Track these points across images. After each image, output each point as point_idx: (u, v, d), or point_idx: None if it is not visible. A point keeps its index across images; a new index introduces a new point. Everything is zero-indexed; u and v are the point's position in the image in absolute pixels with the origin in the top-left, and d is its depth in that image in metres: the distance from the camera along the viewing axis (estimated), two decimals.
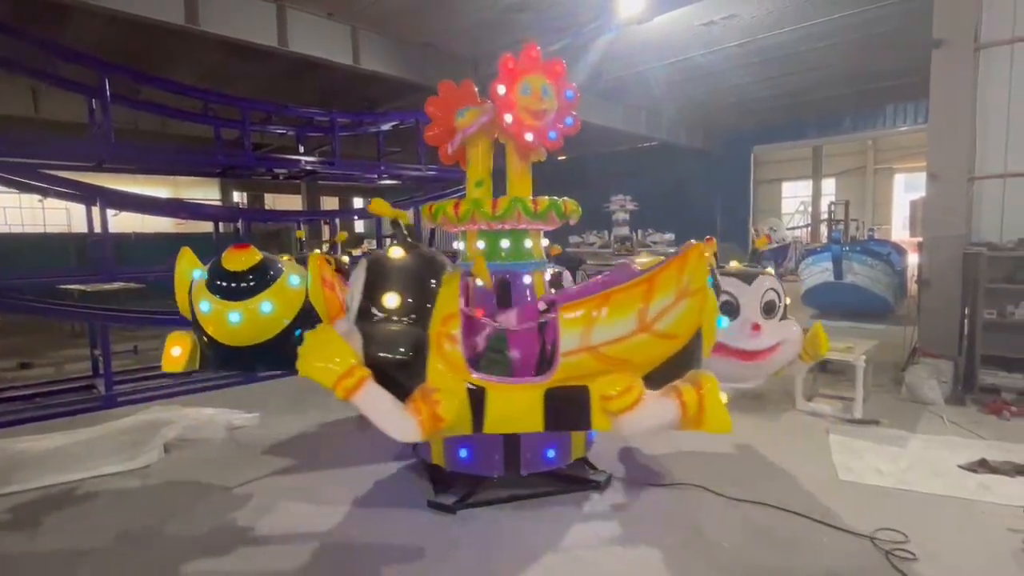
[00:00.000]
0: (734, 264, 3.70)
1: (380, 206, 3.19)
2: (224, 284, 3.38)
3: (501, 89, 3.35)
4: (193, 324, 3.52)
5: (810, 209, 23.39)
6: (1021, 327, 5.34)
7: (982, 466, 3.85)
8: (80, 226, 7.79)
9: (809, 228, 22.92)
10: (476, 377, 2.75)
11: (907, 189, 24.37)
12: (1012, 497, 3.45)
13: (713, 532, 3.19)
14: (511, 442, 3.49)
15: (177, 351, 3.48)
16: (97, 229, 6.21)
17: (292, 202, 21.51)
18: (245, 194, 22.50)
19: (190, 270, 3.56)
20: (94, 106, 6.62)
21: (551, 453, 3.55)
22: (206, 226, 9.11)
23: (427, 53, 9.93)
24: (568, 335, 2.66)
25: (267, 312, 3.41)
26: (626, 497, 3.63)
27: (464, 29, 9.40)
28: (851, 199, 20.15)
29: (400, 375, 2.64)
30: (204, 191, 21.00)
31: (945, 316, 5.91)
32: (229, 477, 4.04)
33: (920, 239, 6.36)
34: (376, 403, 2.52)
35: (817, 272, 10.32)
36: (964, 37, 5.77)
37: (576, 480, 3.74)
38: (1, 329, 10.18)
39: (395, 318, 2.73)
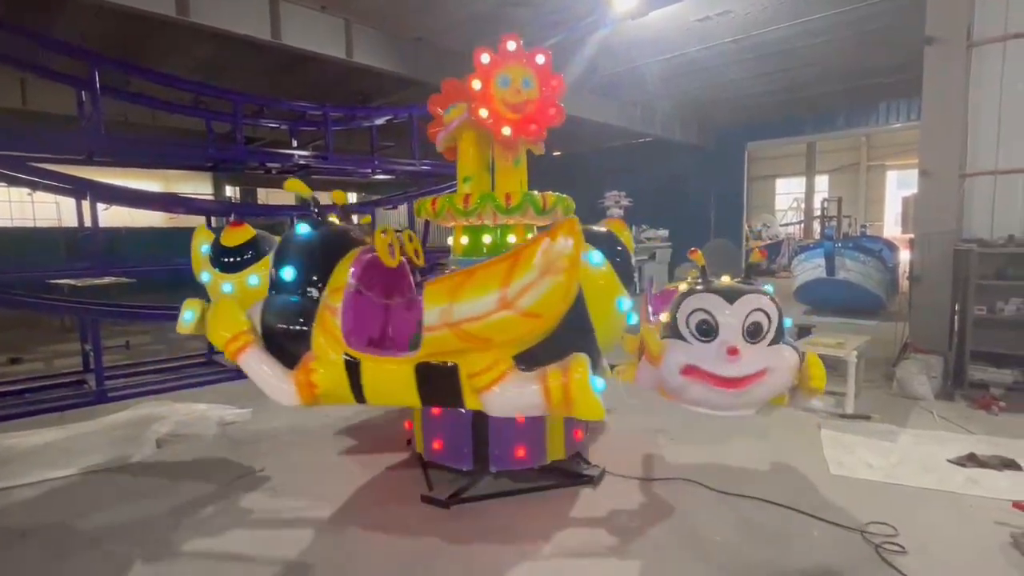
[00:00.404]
0: (726, 280, 3.35)
1: (295, 185, 3.41)
2: (221, 258, 3.65)
3: (476, 84, 3.34)
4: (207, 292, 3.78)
5: (803, 205, 23.49)
6: (1010, 323, 5.39)
7: (971, 460, 3.90)
8: (70, 220, 7.70)
9: (802, 224, 23.03)
10: (351, 348, 2.76)
11: (899, 186, 24.55)
12: (1000, 491, 3.49)
13: (705, 526, 3.21)
14: (480, 437, 3.51)
15: (189, 315, 3.61)
16: (87, 223, 6.15)
17: (285, 197, 21.38)
18: (238, 189, 22.36)
19: (202, 244, 3.87)
20: (84, 98, 6.54)
21: (521, 452, 3.54)
22: (198, 220, 9.03)
23: (421, 48, 9.85)
24: (430, 311, 2.58)
25: (254, 285, 3.56)
26: (619, 491, 3.64)
27: (458, 24, 9.33)
28: (844, 196, 20.22)
29: (291, 344, 2.83)
30: (196, 185, 20.85)
31: (936, 312, 5.96)
32: (221, 472, 4.03)
33: (912, 236, 6.40)
34: (256, 366, 2.79)
35: (810, 268, 10.38)
36: (957, 34, 5.80)
37: (570, 475, 3.75)
38: None
39: (292, 291, 2.99)
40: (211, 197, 20.36)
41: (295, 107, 8.87)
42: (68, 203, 7.26)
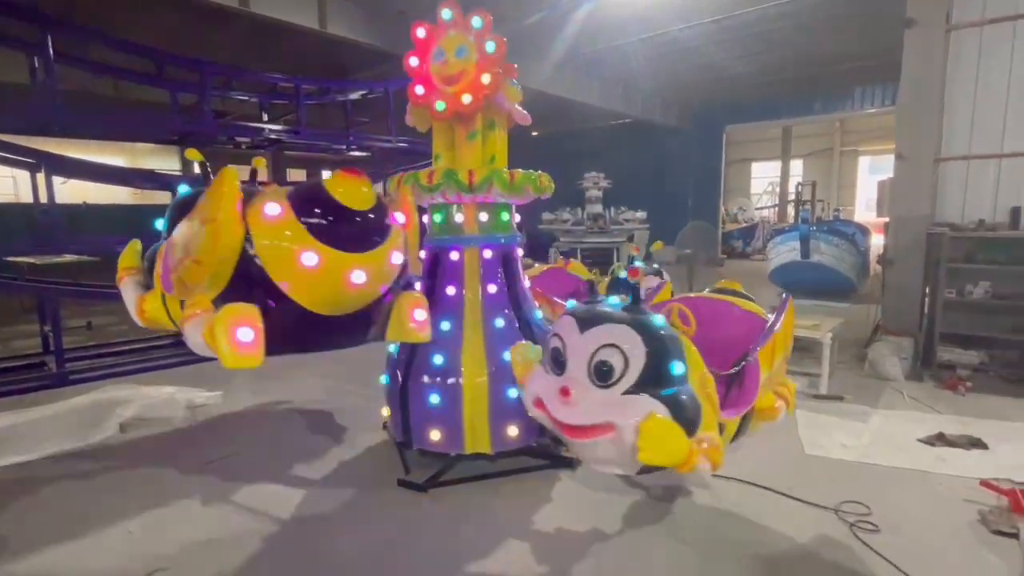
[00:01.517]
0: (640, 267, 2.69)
1: (192, 154, 3.69)
2: (344, 227, 2.81)
3: (413, 61, 3.23)
4: None
5: (778, 189, 23.76)
6: (978, 306, 5.51)
7: (940, 440, 3.99)
8: (29, 195, 7.30)
9: (776, 208, 23.32)
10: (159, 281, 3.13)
11: (871, 171, 25.00)
12: (967, 469, 3.57)
13: (681, 507, 3.22)
14: (404, 415, 3.56)
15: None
16: (44, 199, 5.84)
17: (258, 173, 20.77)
18: (208, 164, 21.62)
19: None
20: (36, 65, 6.16)
21: (434, 435, 3.48)
22: (164, 196, 8.68)
23: (400, 21, 9.54)
24: (169, 256, 2.92)
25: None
26: (597, 473, 3.62)
27: None
28: (818, 180, 20.52)
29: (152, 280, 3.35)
30: (163, 160, 20.12)
31: (907, 295, 6.07)
32: (190, 457, 3.90)
33: (887, 219, 6.48)
34: (123, 292, 3.56)
35: (784, 251, 10.50)
36: (936, 18, 5.81)
37: (549, 457, 3.72)
38: None
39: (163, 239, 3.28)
40: (179, 173, 19.66)
41: (265, 78, 8.54)
42: (26, 177, 6.88)
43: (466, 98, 3.20)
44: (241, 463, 3.85)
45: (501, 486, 3.47)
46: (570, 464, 3.67)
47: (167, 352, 6.56)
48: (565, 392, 2.33)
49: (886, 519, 3.03)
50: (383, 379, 3.78)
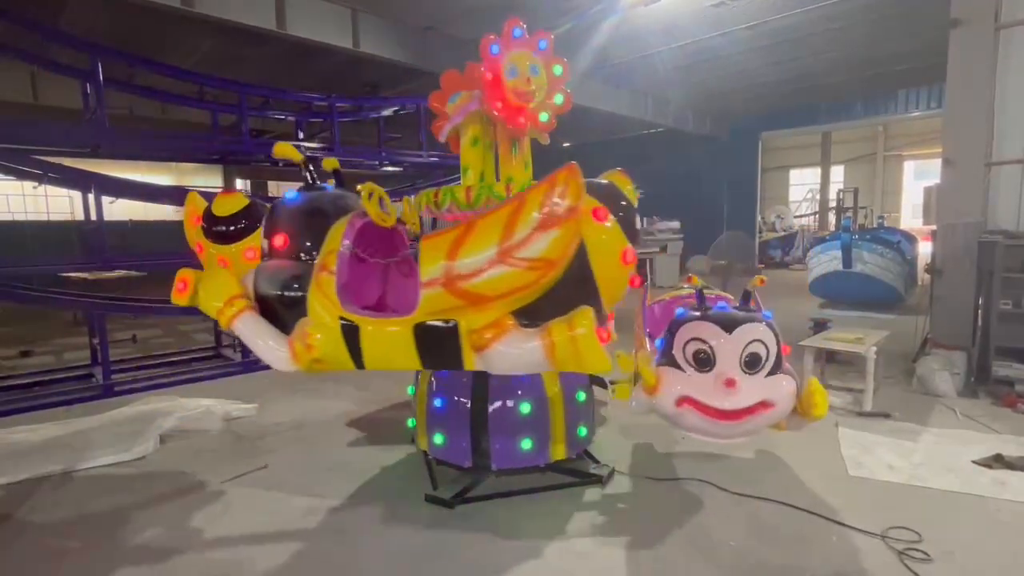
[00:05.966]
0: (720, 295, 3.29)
1: (284, 149, 3.50)
2: (213, 227, 3.55)
3: (488, 75, 3.21)
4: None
5: (818, 197, 23.06)
6: None
7: (997, 461, 3.74)
8: (83, 214, 7.68)
9: (817, 216, 22.61)
10: (347, 311, 2.60)
11: (917, 176, 24.07)
12: None
13: (717, 529, 3.09)
14: (476, 434, 3.41)
15: (182, 286, 3.46)
16: (93, 216, 6.11)
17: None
18: (248, 181, 22.35)
19: (198, 212, 3.74)
20: (88, 91, 6.50)
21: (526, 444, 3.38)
22: None
23: (428, 37, 9.71)
24: (428, 268, 2.40)
25: (250, 257, 3.49)
26: (629, 492, 3.54)
27: (466, 12, 9.16)
28: (860, 187, 19.85)
29: (286, 310, 2.76)
30: (207, 178, 20.88)
31: (958, 306, 5.75)
32: (225, 468, 3.97)
33: (934, 227, 6.18)
34: (252, 332, 2.76)
35: (825, 261, 10.14)
36: (984, 16, 5.55)
37: (578, 474, 3.65)
38: (4, 317, 10.16)
39: (285, 257, 2.94)
40: (221, 190, 20.38)
41: (301, 98, 8.79)
42: (80, 197, 7.26)
43: (544, 115, 3.24)
44: (271, 475, 3.90)
45: (529, 503, 3.41)
46: (599, 481, 3.59)
47: (206, 365, 6.76)
48: (731, 383, 2.76)
49: (938, 547, 2.84)
50: (411, 390, 3.81)
